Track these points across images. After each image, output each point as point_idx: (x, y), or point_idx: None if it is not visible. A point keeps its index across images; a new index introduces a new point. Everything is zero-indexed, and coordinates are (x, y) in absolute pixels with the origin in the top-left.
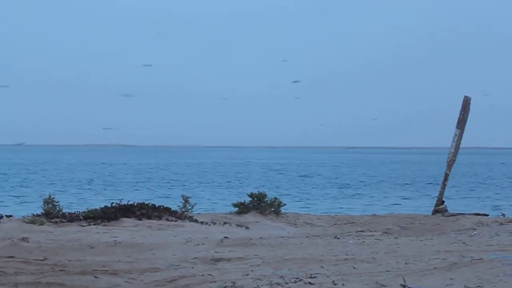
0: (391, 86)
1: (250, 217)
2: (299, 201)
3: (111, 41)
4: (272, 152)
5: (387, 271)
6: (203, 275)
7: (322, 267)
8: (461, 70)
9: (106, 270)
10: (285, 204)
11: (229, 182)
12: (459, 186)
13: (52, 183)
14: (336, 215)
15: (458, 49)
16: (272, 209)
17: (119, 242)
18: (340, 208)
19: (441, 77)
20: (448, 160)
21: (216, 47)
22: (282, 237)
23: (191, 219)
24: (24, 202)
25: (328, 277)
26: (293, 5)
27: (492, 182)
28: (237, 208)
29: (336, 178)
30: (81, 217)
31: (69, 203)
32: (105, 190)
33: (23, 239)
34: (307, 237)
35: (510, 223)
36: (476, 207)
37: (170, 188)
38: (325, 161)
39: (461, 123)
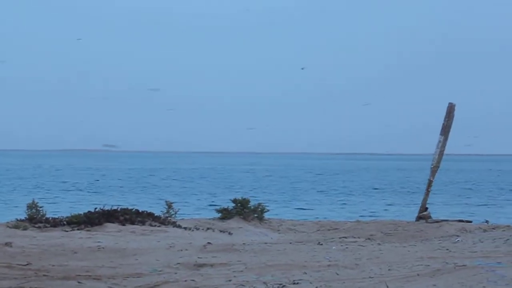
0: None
1: (233, 223)
2: (285, 207)
3: (108, 42)
4: (263, 158)
5: (370, 277)
6: (186, 280)
7: (305, 273)
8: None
9: (90, 275)
10: (268, 210)
11: (213, 187)
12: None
13: (37, 188)
14: (319, 221)
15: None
16: (256, 215)
17: (103, 247)
18: (324, 214)
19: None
20: (432, 166)
21: (211, 51)
22: (265, 243)
23: (174, 224)
24: (9, 207)
25: (311, 283)
26: (293, 5)
27: (479, 189)
28: (220, 214)
29: (324, 185)
30: (65, 222)
31: (54, 208)
32: (89, 195)
33: (6, 244)
34: (290, 243)
35: (493, 230)
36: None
37: (153, 193)
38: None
39: (445, 129)
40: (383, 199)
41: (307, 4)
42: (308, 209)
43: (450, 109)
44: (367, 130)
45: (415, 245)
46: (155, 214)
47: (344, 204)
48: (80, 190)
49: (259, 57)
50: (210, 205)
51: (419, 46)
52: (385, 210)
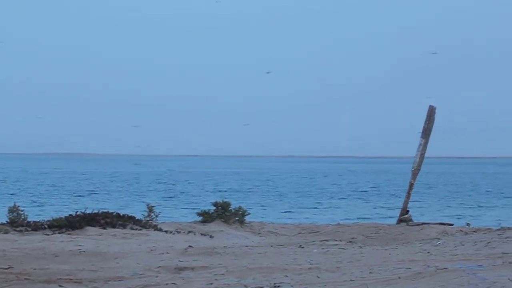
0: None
1: (214, 226)
2: (267, 210)
3: (107, 42)
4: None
5: (351, 280)
6: (167, 284)
7: (286, 276)
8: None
9: (71, 279)
10: (249, 213)
11: (195, 190)
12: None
13: (14, 193)
14: (300, 224)
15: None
16: (237, 218)
17: (84, 251)
18: (306, 217)
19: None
20: (413, 169)
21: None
22: (246, 246)
23: (155, 228)
24: None
25: (292, 286)
26: (293, 5)
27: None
28: (201, 217)
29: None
30: (46, 226)
31: (36, 212)
32: (70, 198)
33: None
34: (272, 246)
35: (474, 233)
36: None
37: (134, 197)
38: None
39: (426, 132)
40: (365, 202)
41: (306, 6)
42: (289, 211)
43: (431, 112)
44: (367, 133)
45: (396, 248)
46: (136, 218)
47: (326, 207)
48: (59, 193)
49: (258, 57)
50: (193, 208)
51: (419, 46)
52: (367, 213)
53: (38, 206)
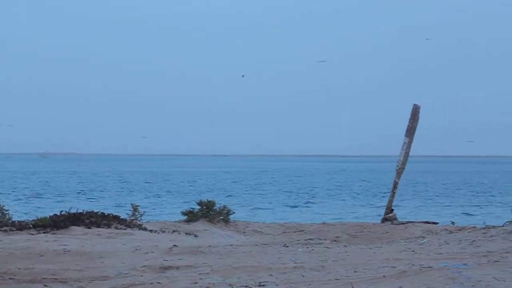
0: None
1: (199, 225)
2: (253, 209)
3: (107, 42)
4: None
5: (336, 279)
6: (152, 283)
7: (271, 275)
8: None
9: (56, 279)
10: (234, 212)
11: (179, 190)
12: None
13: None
14: (285, 223)
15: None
16: (221, 217)
17: (69, 251)
18: (290, 216)
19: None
20: (398, 168)
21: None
22: (231, 245)
23: (140, 227)
24: None
25: (277, 285)
26: (293, 5)
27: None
28: (186, 217)
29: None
30: (31, 226)
31: (21, 212)
32: (55, 198)
33: None
34: (256, 245)
35: (459, 231)
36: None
37: (119, 197)
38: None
39: (410, 131)
40: (350, 201)
41: (307, 4)
42: (269, 209)
43: (415, 111)
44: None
45: (381, 247)
46: (121, 217)
47: (310, 206)
48: (44, 193)
49: (258, 57)
50: (176, 207)
51: (419, 46)
52: (351, 212)
53: (23, 206)
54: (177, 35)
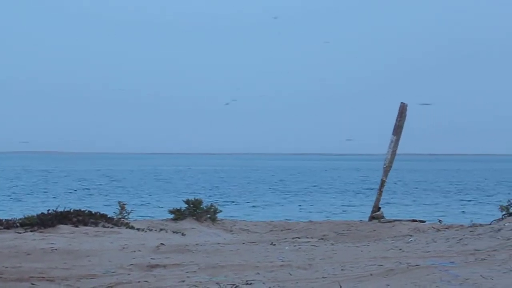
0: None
1: (186, 224)
2: (240, 209)
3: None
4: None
5: (323, 277)
6: (139, 281)
7: (258, 274)
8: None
9: (43, 277)
10: (221, 211)
11: (167, 188)
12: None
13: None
14: (272, 221)
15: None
16: (208, 216)
17: (56, 249)
18: (277, 214)
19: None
20: (385, 166)
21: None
22: (218, 243)
23: (127, 225)
24: None
25: (264, 283)
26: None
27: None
28: (173, 215)
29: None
30: (18, 224)
31: (7, 210)
32: (42, 197)
33: None
34: (243, 243)
35: (446, 230)
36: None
37: (105, 195)
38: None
39: (397, 129)
40: (337, 199)
41: (307, 4)
42: (258, 206)
43: (402, 109)
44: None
45: (368, 245)
46: (108, 216)
47: (298, 204)
48: (32, 191)
49: (259, 57)
50: (159, 207)
51: (419, 46)
52: (339, 210)
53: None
54: (177, 35)
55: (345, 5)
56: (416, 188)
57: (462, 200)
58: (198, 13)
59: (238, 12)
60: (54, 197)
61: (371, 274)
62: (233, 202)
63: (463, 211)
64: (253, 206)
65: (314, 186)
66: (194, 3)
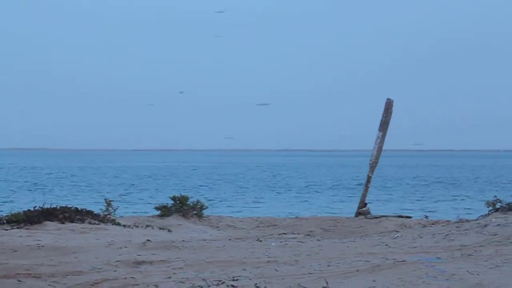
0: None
1: (172, 220)
2: (229, 206)
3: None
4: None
5: (309, 273)
6: (125, 278)
7: (245, 270)
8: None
9: (29, 274)
10: (207, 207)
11: (157, 185)
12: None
13: None
14: (258, 217)
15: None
16: (195, 212)
17: (42, 246)
18: (264, 210)
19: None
20: (371, 162)
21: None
22: (205, 240)
23: (113, 222)
24: None
25: (250, 279)
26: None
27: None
28: (159, 211)
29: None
30: (4, 221)
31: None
32: (29, 193)
33: None
34: (230, 239)
35: (433, 225)
36: None
37: (93, 192)
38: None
39: (384, 125)
40: (323, 196)
41: (307, 4)
42: (247, 203)
43: (388, 105)
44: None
45: (354, 241)
46: (95, 212)
47: (285, 200)
48: (18, 188)
49: (258, 57)
50: (148, 203)
51: (419, 46)
52: (325, 206)
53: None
54: (176, 32)
55: (345, 5)
56: (407, 184)
57: (448, 195)
58: (198, 10)
59: (238, 12)
60: (42, 194)
61: (357, 270)
62: (222, 200)
63: (454, 207)
64: (245, 203)
65: (304, 182)
66: (194, 2)
